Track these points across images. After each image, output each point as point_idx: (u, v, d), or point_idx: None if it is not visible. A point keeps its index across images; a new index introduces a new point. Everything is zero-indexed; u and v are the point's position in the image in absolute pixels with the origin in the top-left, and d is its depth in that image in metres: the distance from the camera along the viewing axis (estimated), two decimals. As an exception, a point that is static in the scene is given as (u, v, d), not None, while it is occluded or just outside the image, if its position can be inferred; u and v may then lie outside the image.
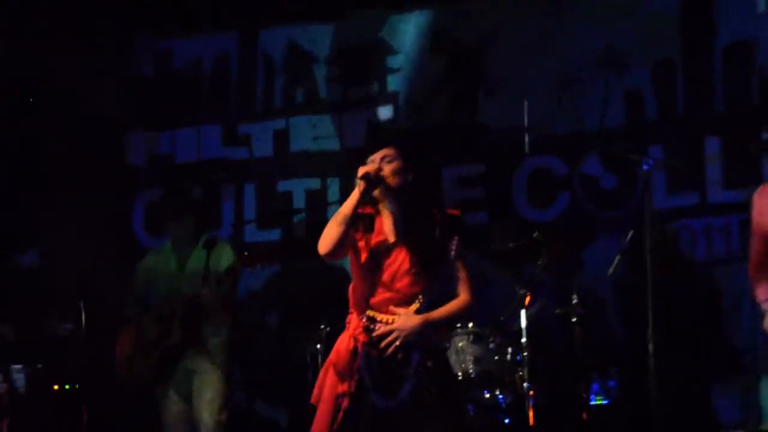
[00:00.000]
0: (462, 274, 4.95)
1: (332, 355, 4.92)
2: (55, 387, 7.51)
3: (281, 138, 9.13)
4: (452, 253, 4.89)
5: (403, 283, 4.87)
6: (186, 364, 6.92)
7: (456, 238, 4.91)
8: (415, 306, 4.81)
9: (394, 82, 8.90)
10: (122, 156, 9.34)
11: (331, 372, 4.88)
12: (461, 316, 5.09)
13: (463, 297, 4.96)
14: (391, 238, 4.93)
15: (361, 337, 4.83)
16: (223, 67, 9.31)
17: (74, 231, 8.48)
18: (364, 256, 4.94)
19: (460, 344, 6.99)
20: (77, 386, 7.15)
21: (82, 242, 8.39)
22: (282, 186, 9.09)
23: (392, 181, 4.89)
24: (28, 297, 7.79)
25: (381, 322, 4.81)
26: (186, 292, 6.86)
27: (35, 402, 7.30)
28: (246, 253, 7.06)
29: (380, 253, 4.92)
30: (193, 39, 9.34)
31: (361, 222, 4.94)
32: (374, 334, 4.81)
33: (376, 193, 4.89)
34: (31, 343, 7.49)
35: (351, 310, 4.96)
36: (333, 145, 8.94)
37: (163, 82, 9.38)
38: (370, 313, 4.86)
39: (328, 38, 9.05)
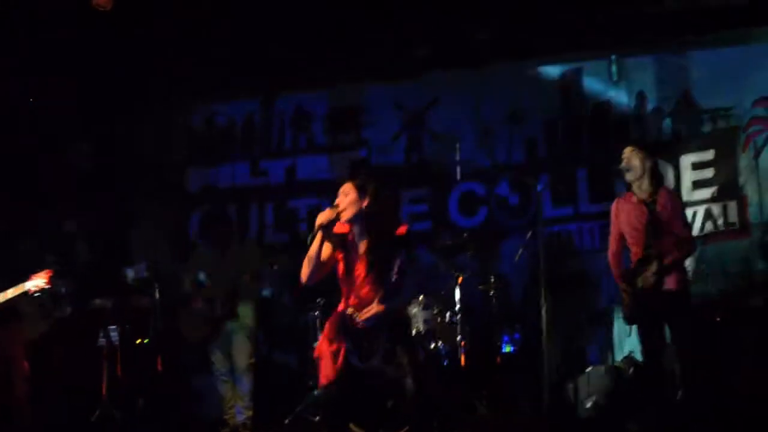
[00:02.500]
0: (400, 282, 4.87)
1: (327, 327, 4.93)
2: (138, 342, 7.54)
3: (290, 171, 9.06)
4: (397, 267, 4.79)
5: (364, 290, 4.82)
6: (227, 327, 6.92)
7: (400, 258, 4.80)
8: (373, 307, 4.76)
9: (366, 132, 8.88)
10: (183, 185, 9.27)
11: (326, 337, 4.88)
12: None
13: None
14: (356, 251, 4.86)
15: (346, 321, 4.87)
16: (250, 123, 9.23)
17: (152, 238, 8.49)
18: (342, 268, 4.89)
19: (414, 311, 6.95)
20: (154, 341, 7.16)
21: (156, 245, 8.40)
22: (291, 204, 9.01)
23: (349, 211, 4.80)
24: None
25: (356, 315, 4.82)
26: (226, 277, 6.86)
27: (125, 352, 7.36)
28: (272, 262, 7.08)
29: (350, 265, 4.86)
30: (229, 103, 9.25)
31: (337, 240, 4.88)
32: (360, 318, 4.75)
33: (343, 218, 4.81)
34: (122, 311, 7.44)
35: (342, 298, 4.97)
36: (326, 175, 8.85)
37: (211, 134, 9.31)
38: (349, 310, 4.85)
39: (323, 103, 9.01)
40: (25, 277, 5.69)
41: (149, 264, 7.41)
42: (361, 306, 4.81)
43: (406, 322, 5.26)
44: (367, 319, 4.77)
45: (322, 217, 4.76)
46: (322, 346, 4.87)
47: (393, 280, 4.79)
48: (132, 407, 7.27)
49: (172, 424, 7.27)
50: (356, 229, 4.86)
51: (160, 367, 7.22)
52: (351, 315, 4.83)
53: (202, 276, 7.05)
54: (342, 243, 4.88)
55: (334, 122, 8.99)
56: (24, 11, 7.15)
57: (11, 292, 5.66)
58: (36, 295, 5.65)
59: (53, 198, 8.24)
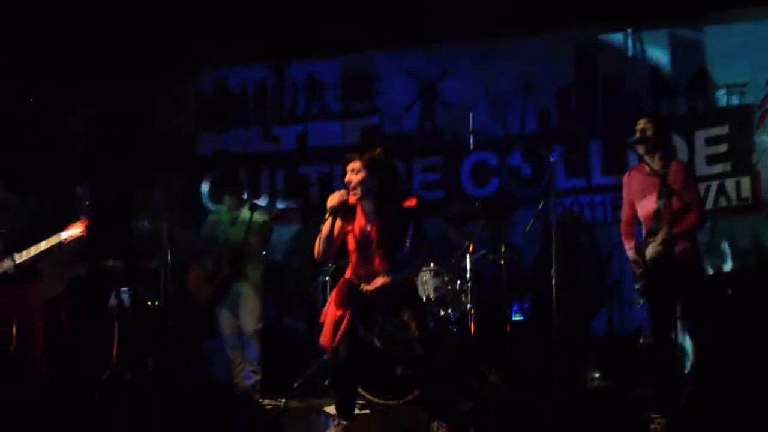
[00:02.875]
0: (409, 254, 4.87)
1: (333, 293, 4.95)
2: (149, 303, 7.51)
3: (302, 137, 9.03)
4: (408, 239, 4.77)
5: (375, 263, 4.83)
6: (235, 290, 6.89)
7: (411, 227, 4.80)
8: (380, 279, 4.78)
9: (380, 100, 8.84)
10: (195, 150, 9.24)
11: (333, 304, 4.90)
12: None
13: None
14: (366, 226, 4.85)
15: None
16: (262, 89, 9.20)
17: (164, 202, 8.44)
18: (352, 241, 4.89)
19: (425, 278, 6.91)
20: (164, 303, 7.14)
21: (169, 208, 8.35)
22: (302, 170, 8.99)
23: (359, 188, 4.78)
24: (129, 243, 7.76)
25: (363, 285, 4.84)
26: (236, 239, 6.85)
27: (135, 313, 7.30)
28: (277, 215, 7.09)
29: (360, 239, 4.86)
30: (242, 69, 9.22)
31: (348, 212, 4.87)
32: (366, 289, 4.79)
33: (354, 196, 4.81)
34: (133, 273, 7.43)
35: (350, 264, 4.97)
36: (337, 142, 8.81)
37: (222, 99, 9.28)
38: (356, 280, 4.88)
39: (335, 70, 8.98)
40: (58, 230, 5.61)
41: (153, 220, 7.38)
42: (369, 277, 4.83)
43: (415, 287, 5.23)
44: (374, 291, 4.79)
45: (333, 200, 4.76)
46: (328, 312, 4.89)
47: (403, 252, 4.78)
48: (142, 368, 7.27)
49: (182, 386, 7.25)
50: (366, 205, 4.85)
51: (170, 329, 7.19)
52: (358, 285, 4.84)
53: (211, 238, 7.02)
54: (352, 215, 4.88)
55: (347, 89, 8.94)
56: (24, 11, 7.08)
57: (45, 244, 5.61)
58: (71, 243, 5.59)
59: (68, 162, 8.20)
